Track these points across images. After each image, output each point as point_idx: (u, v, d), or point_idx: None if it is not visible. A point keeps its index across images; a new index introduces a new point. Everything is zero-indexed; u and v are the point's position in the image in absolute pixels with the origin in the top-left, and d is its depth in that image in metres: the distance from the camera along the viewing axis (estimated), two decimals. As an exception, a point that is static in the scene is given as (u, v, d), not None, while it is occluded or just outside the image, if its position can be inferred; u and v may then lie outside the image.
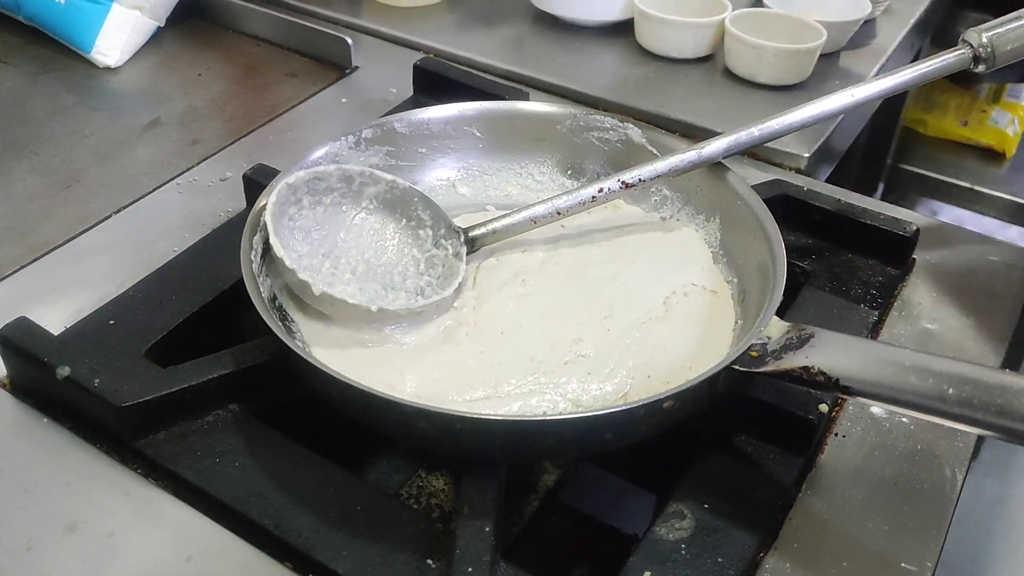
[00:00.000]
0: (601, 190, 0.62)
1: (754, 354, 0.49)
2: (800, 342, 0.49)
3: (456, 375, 0.55)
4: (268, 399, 0.56)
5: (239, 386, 0.54)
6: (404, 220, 0.62)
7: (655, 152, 0.66)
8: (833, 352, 0.48)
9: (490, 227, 0.62)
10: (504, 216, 0.62)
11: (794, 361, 0.48)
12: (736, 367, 0.49)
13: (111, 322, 0.60)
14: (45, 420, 0.55)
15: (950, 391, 0.43)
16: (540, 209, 0.62)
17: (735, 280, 0.61)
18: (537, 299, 0.60)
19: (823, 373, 0.47)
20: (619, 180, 0.62)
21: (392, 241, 0.61)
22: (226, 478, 0.51)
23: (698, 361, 0.55)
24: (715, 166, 0.64)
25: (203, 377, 0.53)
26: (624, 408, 0.46)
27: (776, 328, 0.51)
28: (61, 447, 0.54)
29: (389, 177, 0.61)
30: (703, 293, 0.61)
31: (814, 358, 0.48)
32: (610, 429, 0.48)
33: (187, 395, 0.53)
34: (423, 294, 0.59)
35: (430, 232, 0.62)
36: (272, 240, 0.54)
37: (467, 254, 0.61)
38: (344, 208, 0.61)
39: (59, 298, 0.63)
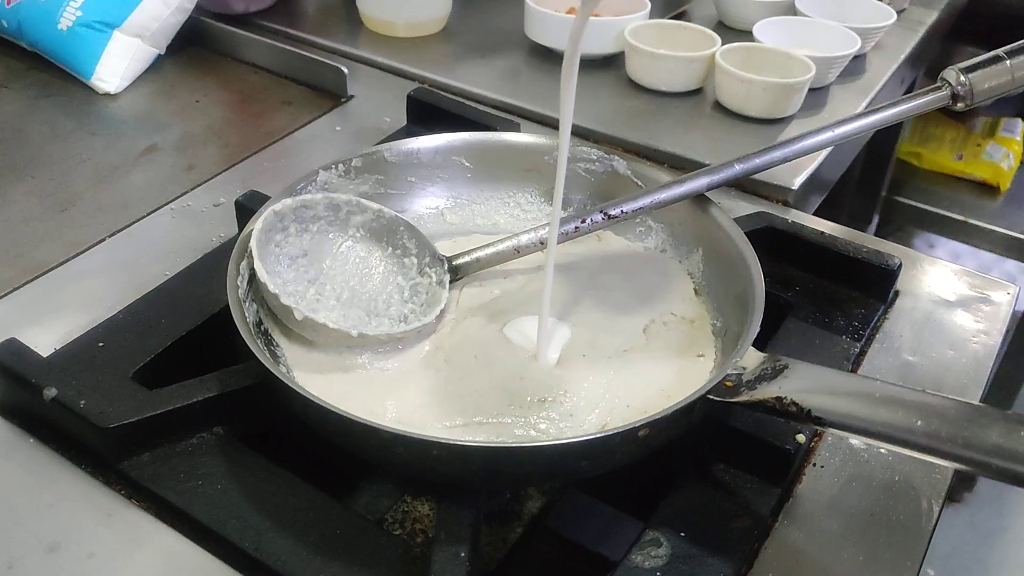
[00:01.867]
0: (584, 221, 0.62)
1: (729, 384, 0.50)
2: (774, 373, 0.50)
3: (435, 402, 0.55)
4: (252, 423, 0.56)
5: (223, 409, 0.55)
6: (390, 248, 0.63)
7: (640, 184, 0.67)
8: (806, 383, 0.48)
9: (474, 256, 0.63)
10: (488, 245, 0.63)
11: (768, 391, 0.49)
12: (711, 396, 0.49)
13: (100, 344, 0.60)
14: (31, 440, 0.56)
15: (919, 423, 0.44)
16: (524, 239, 0.63)
17: (716, 311, 0.62)
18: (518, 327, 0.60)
19: (795, 404, 0.47)
20: (602, 212, 0.63)
21: (377, 269, 0.62)
22: (208, 500, 0.51)
23: (676, 391, 0.56)
24: (699, 198, 0.65)
25: (188, 400, 0.54)
26: (600, 436, 0.47)
27: (752, 359, 0.51)
28: (46, 467, 0.54)
29: (375, 206, 0.62)
30: (683, 323, 0.61)
31: (787, 389, 0.48)
32: (586, 457, 0.48)
33: (171, 417, 0.54)
34: (406, 321, 0.60)
35: (415, 260, 0.63)
36: (256, 265, 0.55)
37: (451, 282, 0.62)
38: (331, 236, 0.62)
39: (50, 320, 0.64)
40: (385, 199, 0.67)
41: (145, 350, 0.60)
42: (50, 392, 0.54)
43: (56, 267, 0.69)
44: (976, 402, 0.45)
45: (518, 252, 0.63)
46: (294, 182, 0.64)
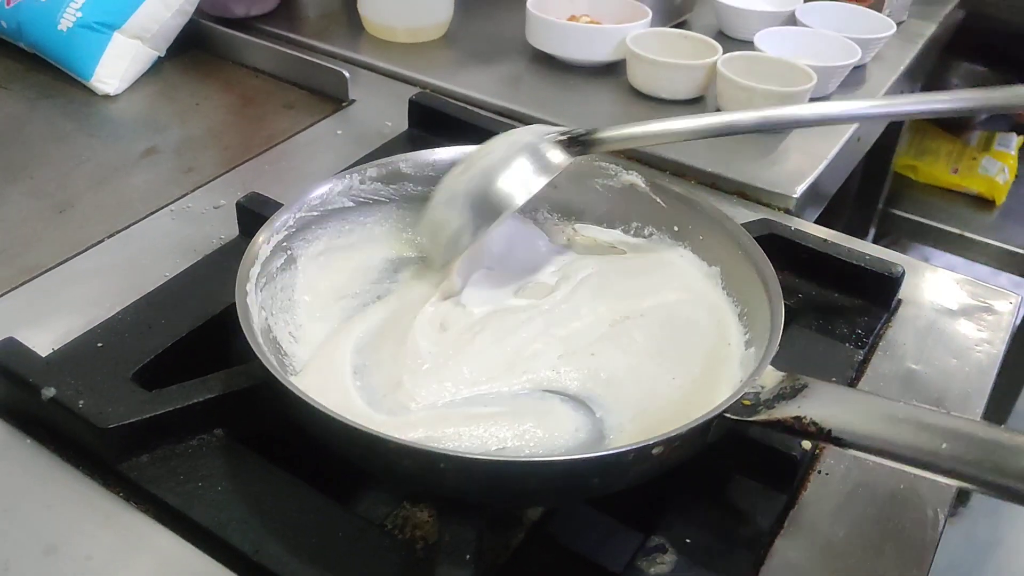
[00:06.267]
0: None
1: (747, 403, 0.49)
2: (793, 392, 0.49)
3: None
4: (253, 425, 0.56)
5: (224, 411, 0.54)
6: None
7: (654, 197, 0.67)
8: (826, 403, 0.48)
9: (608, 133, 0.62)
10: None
11: (786, 411, 0.48)
12: (728, 415, 0.49)
13: (99, 345, 0.60)
14: (28, 441, 0.55)
15: (944, 446, 0.43)
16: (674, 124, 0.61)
17: (734, 321, 0.61)
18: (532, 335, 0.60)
19: (815, 424, 0.47)
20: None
21: None
22: (208, 502, 0.51)
23: (695, 402, 0.55)
24: (714, 211, 0.64)
25: (188, 401, 0.53)
26: (613, 452, 0.46)
27: (770, 377, 0.50)
28: (43, 469, 0.53)
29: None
30: (701, 331, 0.60)
31: (806, 408, 0.48)
32: (597, 474, 0.48)
33: (172, 418, 0.53)
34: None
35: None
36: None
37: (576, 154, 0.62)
38: None
39: (49, 320, 0.63)
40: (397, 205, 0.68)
41: (145, 351, 0.59)
42: (48, 392, 0.53)
43: (55, 267, 0.69)
44: (1000, 426, 0.44)
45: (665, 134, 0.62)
46: (307, 191, 0.63)
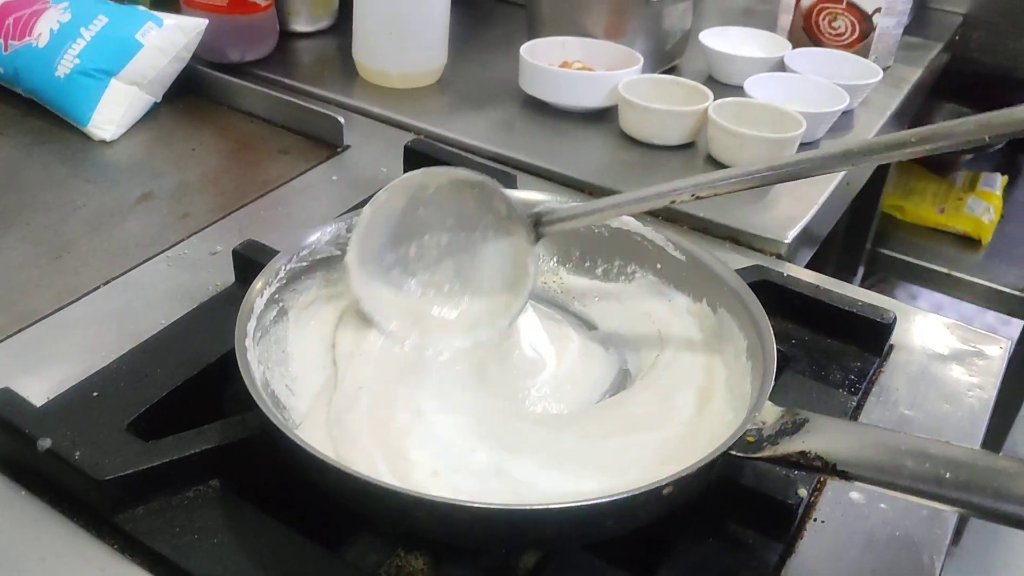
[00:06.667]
0: (673, 202, 0.57)
1: (750, 439, 0.49)
2: (795, 427, 0.49)
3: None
4: (250, 475, 0.56)
5: (221, 462, 0.54)
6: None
7: (643, 237, 0.67)
8: (829, 437, 0.48)
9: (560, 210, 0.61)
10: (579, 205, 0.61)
11: (791, 446, 0.48)
12: (733, 453, 0.49)
13: (95, 394, 0.59)
14: (23, 492, 0.54)
15: (947, 475, 0.44)
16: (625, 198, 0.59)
17: (724, 365, 0.62)
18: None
19: (820, 458, 0.47)
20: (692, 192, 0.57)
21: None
22: (204, 555, 0.50)
23: (688, 448, 0.55)
24: (698, 253, 0.65)
25: (184, 452, 0.53)
26: (626, 495, 0.46)
27: (770, 413, 0.51)
28: (38, 520, 0.53)
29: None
30: (689, 376, 0.61)
31: (810, 443, 0.48)
32: (612, 516, 0.48)
33: (168, 470, 0.53)
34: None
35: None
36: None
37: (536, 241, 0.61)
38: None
39: (44, 369, 0.63)
40: None
41: (140, 400, 0.59)
42: (44, 443, 0.53)
43: (50, 315, 0.69)
44: (998, 454, 0.45)
45: (611, 210, 0.60)
46: (301, 239, 0.64)
